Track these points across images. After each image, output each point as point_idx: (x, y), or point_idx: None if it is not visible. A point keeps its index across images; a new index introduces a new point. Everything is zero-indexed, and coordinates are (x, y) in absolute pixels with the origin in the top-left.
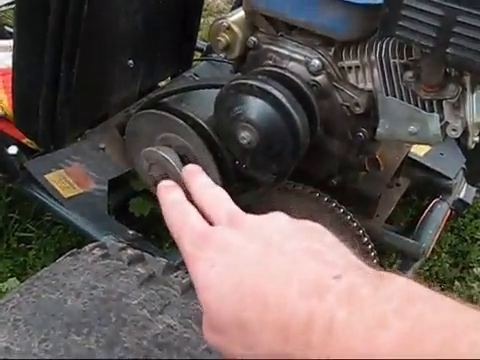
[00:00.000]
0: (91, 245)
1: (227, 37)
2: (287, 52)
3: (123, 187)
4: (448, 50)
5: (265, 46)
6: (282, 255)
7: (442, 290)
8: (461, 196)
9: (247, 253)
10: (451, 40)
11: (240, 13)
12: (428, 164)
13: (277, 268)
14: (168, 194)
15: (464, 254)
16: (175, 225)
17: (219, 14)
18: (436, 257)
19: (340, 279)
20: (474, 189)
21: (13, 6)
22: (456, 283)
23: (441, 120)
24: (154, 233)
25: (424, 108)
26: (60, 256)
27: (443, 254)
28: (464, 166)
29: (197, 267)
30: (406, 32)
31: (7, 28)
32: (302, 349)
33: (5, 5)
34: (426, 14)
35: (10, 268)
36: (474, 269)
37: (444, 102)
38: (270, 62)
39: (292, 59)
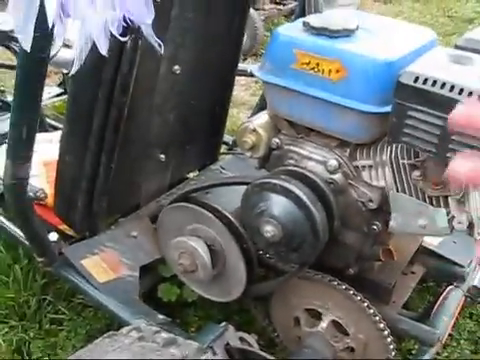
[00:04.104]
0: (127, 328)
1: (253, 138)
2: (307, 152)
3: (152, 273)
4: (448, 155)
5: (287, 147)
6: None
7: None
8: (475, 283)
9: None
10: (450, 146)
11: (264, 117)
12: (441, 252)
13: None
14: None
15: None
16: None
17: (243, 106)
18: (455, 344)
19: None
20: None
21: (54, 99)
22: None
23: (448, 214)
24: (180, 318)
25: (432, 203)
26: (90, 338)
27: (462, 341)
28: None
29: None
30: (411, 138)
31: (48, 120)
32: None
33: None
34: (428, 124)
35: (41, 349)
36: None
37: (450, 198)
38: (291, 161)
39: (311, 159)
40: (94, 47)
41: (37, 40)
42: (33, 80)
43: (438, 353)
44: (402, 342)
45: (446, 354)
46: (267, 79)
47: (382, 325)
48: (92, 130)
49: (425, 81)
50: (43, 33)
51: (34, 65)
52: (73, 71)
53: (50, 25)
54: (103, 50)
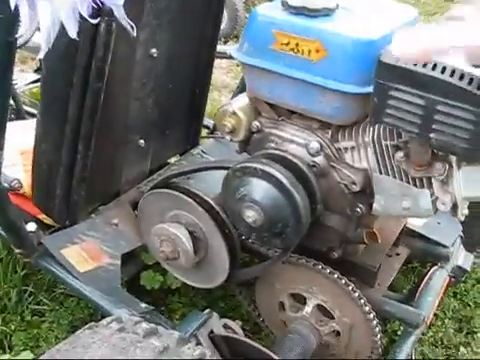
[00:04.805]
0: (108, 319)
1: (232, 122)
2: (288, 135)
3: (134, 261)
4: (431, 135)
5: (267, 130)
6: None
7: (448, 356)
8: (459, 263)
9: None
10: (433, 126)
11: (244, 99)
12: (425, 233)
13: None
14: None
15: (468, 319)
16: None
17: (224, 89)
18: (440, 323)
19: None
20: (472, 256)
21: (30, 86)
22: (462, 349)
23: (431, 195)
24: (164, 305)
25: (415, 185)
26: (73, 328)
27: (447, 320)
28: (461, 234)
29: None
30: (393, 119)
31: (25, 107)
32: None
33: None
34: (409, 104)
35: (23, 341)
36: (479, 334)
37: (433, 179)
38: (272, 145)
39: (292, 142)
40: (64, 30)
41: (1, 23)
42: (1, 65)
43: (423, 333)
44: (387, 323)
45: (431, 334)
46: (246, 60)
47: (367, 308)
48: (68, 116)
49: None
50: (7, 16)
51: (1, 49)
52: (41, 55)
53: (12, 7)
54: (72, 33)
